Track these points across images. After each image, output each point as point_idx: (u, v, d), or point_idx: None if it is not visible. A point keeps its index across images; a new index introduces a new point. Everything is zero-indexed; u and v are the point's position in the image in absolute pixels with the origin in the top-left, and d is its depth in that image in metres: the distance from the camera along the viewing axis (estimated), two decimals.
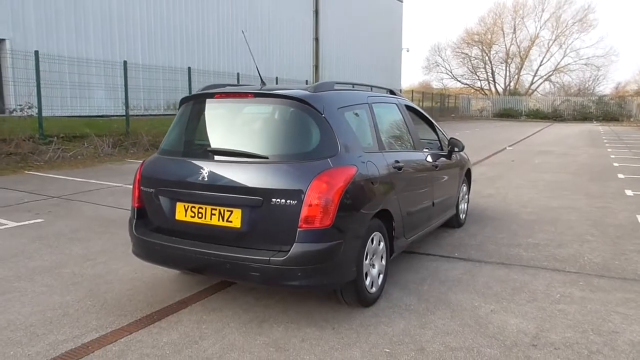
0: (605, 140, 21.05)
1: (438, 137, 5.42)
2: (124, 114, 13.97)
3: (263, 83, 3.76)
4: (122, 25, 17.04)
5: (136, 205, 3.69)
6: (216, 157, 3.38)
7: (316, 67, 27.42)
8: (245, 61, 21.51)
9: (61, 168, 10.08)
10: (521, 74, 47.88)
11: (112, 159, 11.53)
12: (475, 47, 47.38)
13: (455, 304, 3.68)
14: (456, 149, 5.41)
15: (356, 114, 3.77)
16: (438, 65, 49.97)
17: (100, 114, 15.06)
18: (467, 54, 48.07)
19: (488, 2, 60.36)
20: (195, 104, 3.79)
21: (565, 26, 44.99)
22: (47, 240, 5.19)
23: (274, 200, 3.10)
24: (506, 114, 41.99)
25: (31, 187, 8.12)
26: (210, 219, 3.31)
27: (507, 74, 48.22)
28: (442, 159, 5.12)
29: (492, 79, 48.93)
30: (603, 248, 5.12)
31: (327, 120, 3.35)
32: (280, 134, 3.42)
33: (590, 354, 2.95)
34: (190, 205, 3.38)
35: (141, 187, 3.66)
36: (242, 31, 20.53)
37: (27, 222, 5.89)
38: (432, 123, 5.43)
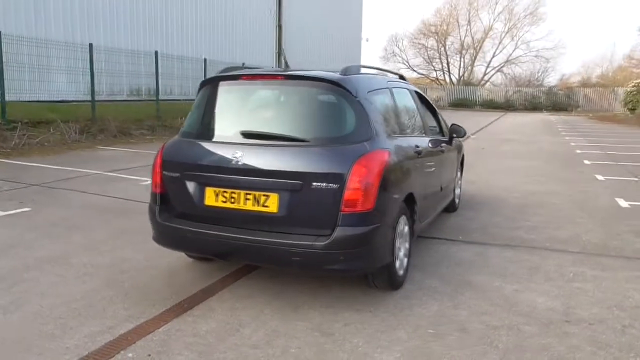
0: (561, 129, 21.97)
1: (439, 123, 5.50)
2: (86, 99, 13.35)
3: (287, 66, 3.69)
4: (83, 6, 16.23)
5: (158, 190, 3.56)
6: (251, 140, 3.29)
7: (279, 54, 27.14)
8: (209, 47, 21.01)
9: (30, 155, 9.55)
10: (475, 65, 49.28)
11: (81, 145, 11.03)
12: (432, 38, 48.35)
13: (477, 285, 3.77)
14: (455, 135, 5.50)
15: (382, 98, 3.76)
16: (395, 55, 50.64)
17: (61, 99, 14.32)
18: (423, 44, 49.00)
19: None
20: (219, 86, 3.67)
21: (517, 19, 46.59)
22: (43, 230, 4.93)
23: (314, 184, 3.06)
24: (461, 104, 43.00)
25: (4, 174, 7.67)
26: (245, 204, 3.23)
27: (462, 64, 49.47)
28: (444, 144, 5.21)
29: (447, 69, 50.07)
30: (596, 229, 5.37)
31: (361, 103, 3.33)
32: (318, 117, 3.38)
33: (623, 327, 3.10)
34: (222, 190, 3.29)
35: (164, 172, 3.52)
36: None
37: (14, 211, 5.56)
38: (434, 109, 5.50)
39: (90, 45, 13.11)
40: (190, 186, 3.39)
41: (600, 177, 8.80)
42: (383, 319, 3.19)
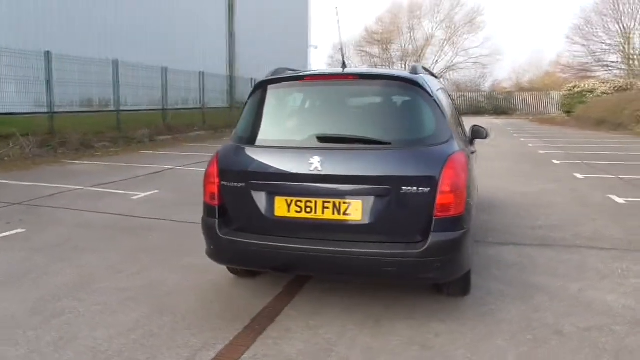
0: (511, 131, 22.86)
1: (461, 124, 5.46)
2: (40, 111, 12.42)
3: (344, 65, 3.49)
4: (38, 11, 15.15)
5: (216, 202, 3.24)
6: (328, 145, 3.06)
7: (231, 61, 26.66)
8: (165, 55, 20.26)
9: None
10: None
11: (45, 160, 10.21)
12: (376, 46, 49.17)
13: (541, 287, 3.71)
14: (477, 137, 5.47)
15: (445, 98, 3.65)
16: (339, 63, 50.87)
17: (10, 112, 13.26)
18: (368, 52, 49.76)
19: (387, 2, 62.55)
20: (279, 88, 3.42)
21: (457, 27, 48.30)
22: (50, 253, 4.43)
23: (404, 188, 2.88)
24: None
25: None
26: (323, 214, 3.00)
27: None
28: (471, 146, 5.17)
29: None
30: (612, 225, 5.49)
31: (437, 103, 3.20)
32: (400, 118, 3.21)
33: None
34: (295, 199, 3.04)
35: (222, 182, 3.22)
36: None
37: (7, 233, 5.00)
38: (456, 109, 5.46)
39: (48, 53, 12.23)
40: (257, 196, 3.11)
41: (579, 176, 9.13)
42: (472, 327, 3.05)
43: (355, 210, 2.95)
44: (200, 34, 23.60)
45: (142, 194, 7.01)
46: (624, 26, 38.82)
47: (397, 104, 3.24)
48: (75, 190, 7.25)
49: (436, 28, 48.74)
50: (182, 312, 3.27)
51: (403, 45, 49.69)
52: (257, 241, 3.11)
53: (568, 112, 32.59)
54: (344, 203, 2.96)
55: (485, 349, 2.78)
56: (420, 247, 2.87)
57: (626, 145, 15.33)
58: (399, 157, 2.97)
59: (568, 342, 2.87)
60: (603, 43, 40.39)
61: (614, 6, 38.60)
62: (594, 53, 41.39)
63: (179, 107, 18.34)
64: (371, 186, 2.93)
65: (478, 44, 47.63)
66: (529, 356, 2.71)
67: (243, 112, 3.51)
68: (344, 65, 3.42)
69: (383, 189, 2.91)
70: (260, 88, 3.45)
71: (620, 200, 6.84)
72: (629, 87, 30.12)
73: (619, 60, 41.04)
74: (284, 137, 3.29)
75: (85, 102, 16.49)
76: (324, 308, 3.33)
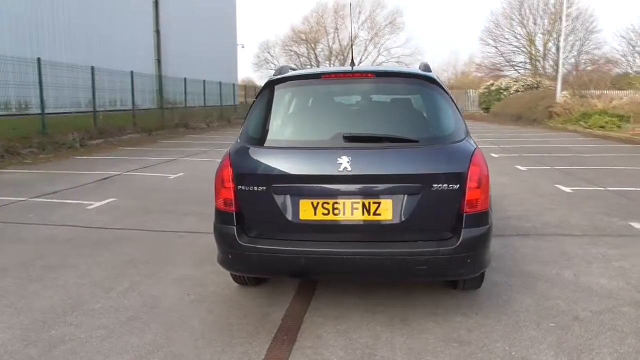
0: None
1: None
2: None
3: (353, 64, 3.42)
4: None
5: (233, 209, 3.06)
6: (354, 144, 2.98)
7: (159, 60, 25.59)
8: (89, 54, 19.00)
9: None
10: None
11: None
12: (302, 45, 49.36)
13: (539, 275, 3.86)
14: None
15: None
16: (268, 62, 50.77)
17: None
18: (295, 51, 49.83)
19: (312, 2, 62.92)
20: (294, 86, 3.28)
21: (379, 28, 49.65)
22: (19, 274, 3.99)
23: (435, 185, 2.88)
24: None
25: None
26: (352, 215, 2.92)
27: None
28: None
29: None
30: (572, 213, 5.86)
31: (453, 100, 3.23)
32: (424, 116, 3.18)
33: None
34: (322, 201, 2.93)
35: (239, 187, 3.04)
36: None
37: None
38: None
39: None
40: (280, 200, 2.97)
41: (521, 168, 9.67)
42: (497, 319, 3.12)
43: (386, 210, 2.90)
44: (126, 32, 22.43)
45: (98, 203, 6.51)
46: (528, 30, 41.80)
47: (419, 101, 3.23)
48: (19, 203, 6.59)
49: (359, 28, 49.78)
50: (199, 329, 3.06)
51: (329, 44, 50.32)
52: (283, 247, 2.98)
53: (486, 109, 34.56)
54: (374, 203, 2.90)
55: (520, 340, 2.85)
56: (453, 244, 2.88)
57: (545, 138, 16.51)
58: (428, 155, 2.96)
59: (589, 326, 3.01)
60: (511, 45, 43.25)
61: (519, 11, 41.47)
62: (503, 54, 44.21)
63: (107, 108, 17.29)
64: (403, 184, 2.90)
65: (400, 44, 49.30)
66: (562, 343, 2.81)
67: (252, 111, 3.35)
68: (352, 63, 3.36)
69: (414, 187, 2.89)
70: (273, 86, 3.31)
71: (568, 190, 7.33)
72: (537, 85, 32.47)
73: (526, 60, 44.14)
74: (304, 137, 3.16)
75: (1, 105, 15.12)
76: (345, 311, 3.26)
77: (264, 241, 3.03)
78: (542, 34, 41.01)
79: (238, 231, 3.04)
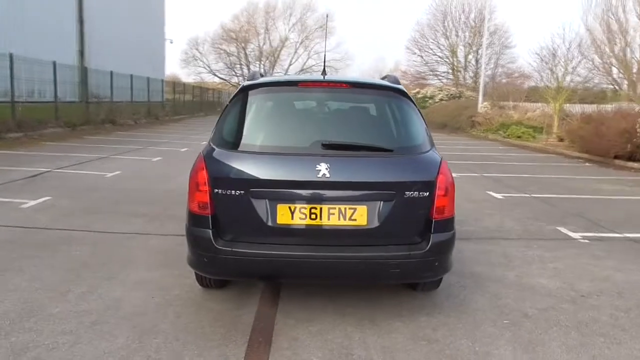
0: None
1: None
2: None
3: (324, 73, 3.52)
4: None
5: (209, 212, 3.06)
6: (333, 152, 3.07)
7: (82, 51, 24.22)
8: (2, 41, 17.61)
9: None
10: (274, 72, 51.27)
11: None
12: (233, 44, 48.69)
13: (487, 276, 4.16)
14: None
15: None
16: (196, 59, 49.59)
17: None
18: (225, 49, 49.03)
19: (242, 0, 62.26)
20: (270, 92, 3.33)
21: (310, 31, 50.12)
22: None
23: (407, 193, 3.05)
24: None
25: None
26: (328, 220, 3.02)
27: (262, 71, 51.06)
28: None
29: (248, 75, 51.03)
30: (506, 219, 6.32)
31: (420, 113, 3.42)
32: (397, 126, 3.34)
33: (620, 292, 3.86)
34: (300, 206, 3.02)
35: (215, 190, 3.05)
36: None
37: None
38: None
39: None
40: (258, 204, 3.01)
41: (454, 175, 10.20)
42: (458, 318, 3.34)
43: (361, 216, 3.03)
44: (46, 19, 21.06)
45: (33, 202, 6.13)
46: (451, 41, 44.01)
47: (391, 112, 3.39)
48: None
49: (290, 30, 49.98)
50: (171, 332, 3.02)
51: (260, 45, 50.06)
52: (260, 250, 3.02)
53: None
54: (350, 208, 3.03)
55: (480, 336, 3.09)
56: (423, 248, 3.07)
57: (469, 146, 17.53)
58: (401, 164, 3.13)
59: (537, 322, 3.31)
60: (435, 55, 45.33)
61: (443, 23, 43.59)
62: (428, 63, 46.23)
63: (25, 100, 16.13)
64: (378, 191, 3.04)
65: (330, 48, 49.93)
66: (517, 338, 3.08)
67: (226, 115, 3.35)
68: (324, 73, 3.46)
69: (388, 194, 3.04)
70: (249, 91, 3.33)
71: (499, 196, 7.88)
72: (460, 95, 34.31)
73: (448, 70, 46.46)
74: (282, 143, 3.21)
75: None
76: (315, 313, 3.35)
77: (241, 244, 3.05)
78: (464, 46, 43.35)
79: (214, 234, 3.05)
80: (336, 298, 3.57)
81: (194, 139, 16.04)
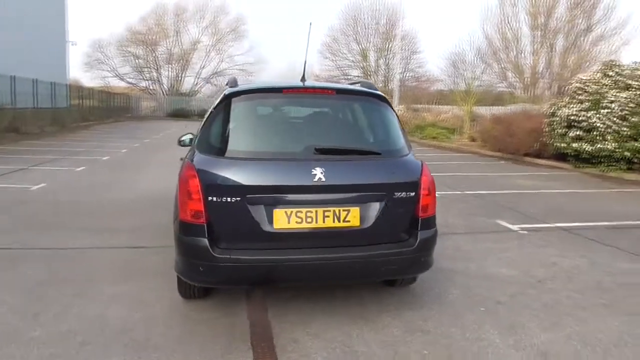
0: None
1: None
2: None
3: (304, 79, 3.55)
4: None
5: (203, 220, 3.00)
6: (326, 156, 3.13)
7: None
8: None
9: None
10: (185, 75, 49.87)
11: None
12: (141, 47, 46.55)
13: (452, 269, 4.42)
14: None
15: None
16: (101, 63, 46.78)
17: None
18: (132, 52, 46.76)
19: (150, 2, 59.18)
20: (255, 99, 3.33)
21: (222, 34, 49.20)
22: None
23: (396, 193, 3.20)
24: (179, 114, 43.13)
25: None
26: (323, 222, 3.09)
27: (173, 75, 49.41)
28: None
29: (157, 79, 49.15)
30: (448, 215, 6.70)
31: (398, 118, 3.59)
32: (382, 130, 3.45)
33: (569, 276, 4.28)
34: (296, 210, 3.05)
35: (210, 198, 2.99)
36: None
37: None
38: None
39: None
40: (255, 210, 3.00)
41: None
42: (440, 310, 3.55)
43: (354, 217, 3.13)
44: None
45: None
46: (362, 46, 45.46)
47: (377, 117, 3.50)
48: None
49: (201, 33, 48.81)
50: (169, 346, 2.93)
51: (169, 48, 48.34)
52: (259, 256, 3.02)
53: None
54: (344, 210, 3.11)
55: (466, 324, 3.31)
56: (412, 245, 3.23)
57: None
58: (390, 166, 3.28)
59: (511, 307, 3.61)
60: (347, 59, 46.55)
61: (354, 29, 44.91)
62: (340, 67, 47.38)
63: None
64: (370, 193, 3.16)
65: (243, 51, 49.43)
66: (499, 322, 3.34)
67: (211, 122, 3.30)
68: (303, 79, 3.51)
69: (379, 195, 3.17)
70: (233, 98, 3.29)
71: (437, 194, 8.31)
72: None
73: (360, 75, 47.91)
74: (275, 149, 3.21)
75: None
76: (306, 316, 3.39)
77: (238, 252, 3.03)
78: (375, 51, 44.89)
79: (210, 243, 2.99)
80: (320, 299, 3.63)
81: (112, 146, 15.24)
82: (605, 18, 33.57)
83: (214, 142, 3.24)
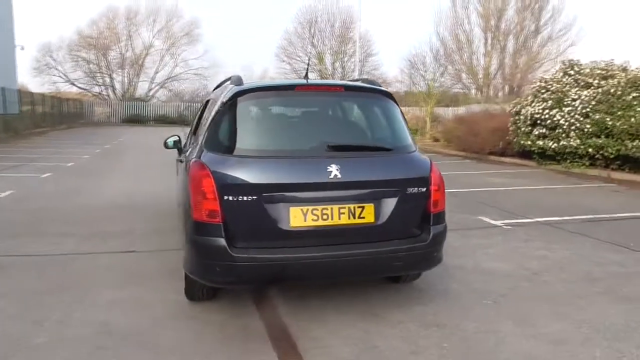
0: None
1: None
2: None
3: (307, 77, 3.53)
4: None
5: (219, 220, 2.93)
6: (340, 153, 3.13)
7: None
8: None
9: None
10: (139, 80, 48.59)
11: None
12: (92, 51, 44.97)
13: (449, 265, 4.41)
14: None
15: None
16: (51, 68, 44.92)
17: None
18: (83, 57, 45.08)
19: (101, 4, 57.11)
20: (268, 97, 3.29)
21: (176, 38, 48.25)
22: None
23: (409, 189, 3.23)
24: (134, 120, 41.97)
25: None
26: (339, 219, 3.09)
27: (126, 80, 48.04)
28: None
29: (110, 84, 47.67)
30: None
31: (403, 114, 3.63)
32: (391, 127, 3.47)
33: (561, 267, 4.44)
34: (312, 207, 3.04)
35: (225, 197, 2.93)
36: None
37: None
38: None
39: None
40: (271, 209, 2.97)
41: None
42: (448, 304, 3.61)
43: (369, 213, 3.14)
44: None
45: None
46: (318, 49, 45.69)
47: (384, 113, 3.52)
48: None
49: (154, 37, 47.71)
50: (185, 349, 2.86)
51: (122, 52, 46.97)
52: (276, 254, 2.99)
53: None
54: (359, 207, 3.12)
55: (477, 316, 3.37)
56: (425, 240, 3.26)
57: None
58: (402, 162, 3.31)
59: (515, 299, 3.71)
60: (303, 62, 46.61)
61: (309, 32, 45.08)
62: (296, 70, 47.43)
63: None
64: (384, 189, 3.17)
65: (197, 55, 48.60)
66: (508, 314, 3.42)
67: (220, 121, 3.23)
68: (306, 77, 3.50)
69: (393, 190, 3.19)
70: (243, 96, 3.24)
71: None
72: None
73: (317, 77, 48.12)
74: (289, 147, 3.18)
75: None
76: (318, 314, 3.38)
77: (256, 250, 2.98)
78: (331, 54, 45.17)
79: (227, 242, 2.93)
80: (329, 297, 3.62)
81: (72, 152, 14.70)
82: (552, 20, 35.26)
83: (225, 141, 3.18)
